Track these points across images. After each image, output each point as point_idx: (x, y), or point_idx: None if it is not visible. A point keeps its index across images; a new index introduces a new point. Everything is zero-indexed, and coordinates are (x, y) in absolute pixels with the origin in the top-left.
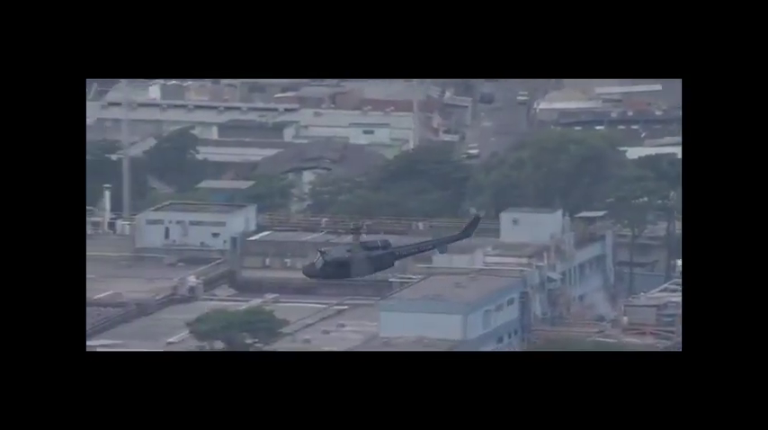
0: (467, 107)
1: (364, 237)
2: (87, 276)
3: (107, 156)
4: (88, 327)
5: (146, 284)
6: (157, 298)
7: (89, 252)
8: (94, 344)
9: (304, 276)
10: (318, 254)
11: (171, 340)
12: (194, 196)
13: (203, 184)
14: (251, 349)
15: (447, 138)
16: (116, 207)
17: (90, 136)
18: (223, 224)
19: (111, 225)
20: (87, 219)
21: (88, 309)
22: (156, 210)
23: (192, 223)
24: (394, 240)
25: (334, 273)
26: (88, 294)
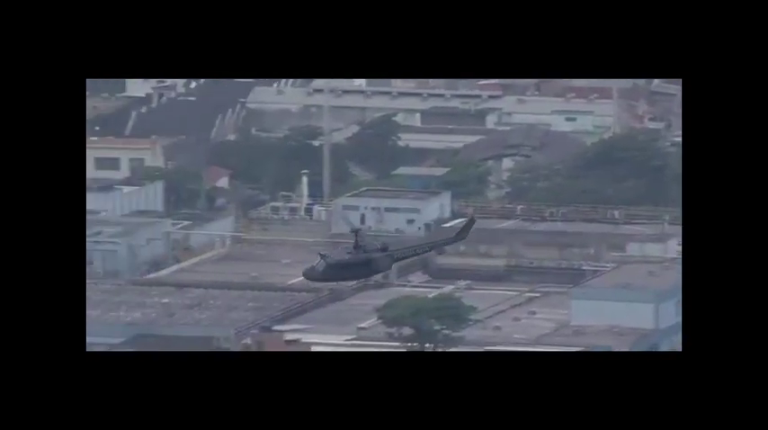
0: (675, 95)
1: (364, 240)
2: (283, 261)
3: (308, 142)
4: (281, 313)
5: None
6: (351, 284)
7: (286, 236)
8: (285, 328)
9: (305, 280)
10: (319, 257)
11: (362, 325)
12: (392, 182)
13: (399, 171)
14: (439, 336)
15: (652, 125)
16: (316, 193)
17: (294, 122)
18: (418, 211)
19: (308, 210)
20: (284, 204)
21: (282, 295)
22: (353, 196)
23: (388, 209)
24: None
25: (335, 276)
26: (283, 279)
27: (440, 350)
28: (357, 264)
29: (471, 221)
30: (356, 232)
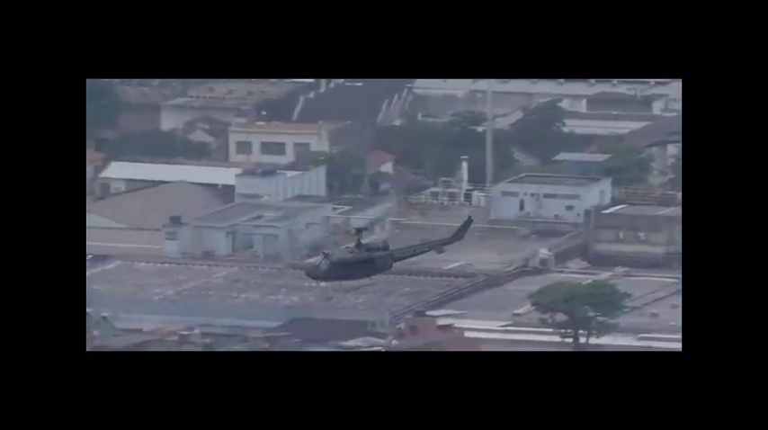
0: None
1: (365, 239)
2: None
3: (471, 127)
4: (437, 298)
5: (497, 256)
6: (508, 269)
7: (445, 222)
8: (438, 314)
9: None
10: (322, 255)
11: (517, 312)
12: (554, 168)
13: (560, 157)
14: (593, 322)
15: None
16: (478, 178)
17: (459, 107)
18: (577, 197)
19: (467, 196)
20: (444, 189)
21: (439, 280)
22: (512, 182)
23: (547, 195)
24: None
25: (338, 275)
26: (440, 264)
27: (592, 340)
28: (359, 263)
29: (469, 222)
30: (358, 231)
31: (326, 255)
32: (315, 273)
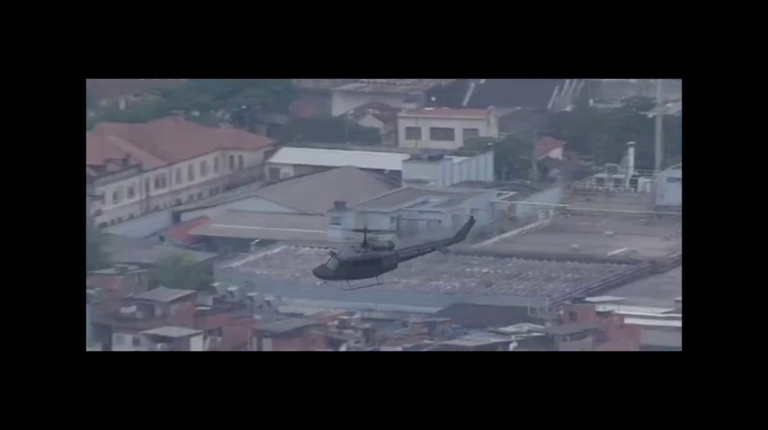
0: None
1: (372, 239)
2: (605, 233)
3: (642, 113)
4: (598, 284)
5: (661, 242)
6: (672, 256)
7: (610, 208)
8: (598, 300)
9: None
10: (330, 255)
11: (679, 298)
12: None
13: None
14: None
15: None
16: (647, 164)
17: (632, 93)
18: None
19: (633, 182)
20: (610, 175)
21: (602, 266)
22: (678, 167)
23: None
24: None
25: (346, 274)
26: (603, 250)
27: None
28: (366, 262)
29: (470, 222)
30: (365, 231)
31: (334, 255)
32: (323, 273)
